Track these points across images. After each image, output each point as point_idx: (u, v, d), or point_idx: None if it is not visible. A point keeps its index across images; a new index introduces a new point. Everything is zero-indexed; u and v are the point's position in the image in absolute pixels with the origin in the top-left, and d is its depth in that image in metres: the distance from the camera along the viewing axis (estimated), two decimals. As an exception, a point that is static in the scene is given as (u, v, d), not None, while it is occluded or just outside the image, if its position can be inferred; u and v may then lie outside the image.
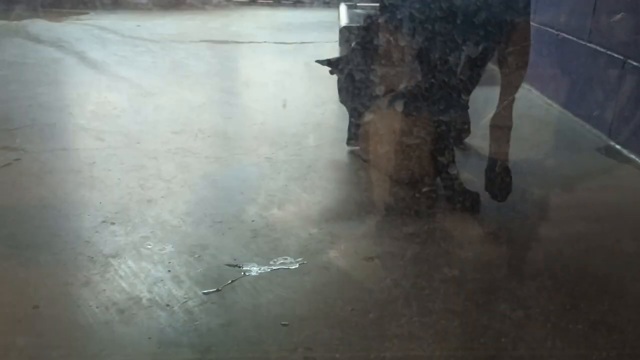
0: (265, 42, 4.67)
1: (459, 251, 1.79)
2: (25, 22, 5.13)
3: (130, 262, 1.67)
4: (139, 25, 5.03)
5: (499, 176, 2.06)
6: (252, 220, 1.93)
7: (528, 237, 1.90)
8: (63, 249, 1.74)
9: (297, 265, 1.68)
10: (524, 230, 1.94)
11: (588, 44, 2.88)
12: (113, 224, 1.88)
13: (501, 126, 2.13)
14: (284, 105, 3.03)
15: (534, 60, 3.39)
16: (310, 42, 4.58)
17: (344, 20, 3.97)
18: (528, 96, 3.33)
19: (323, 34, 4.85)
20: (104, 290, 1.54)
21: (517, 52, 2.16)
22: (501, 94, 2.16)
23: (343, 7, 4.32)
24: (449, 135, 2.13)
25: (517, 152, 2.50)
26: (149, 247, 1.76)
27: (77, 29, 4.92)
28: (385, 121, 2.27)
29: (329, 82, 3.53)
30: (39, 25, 5.01)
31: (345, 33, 3.73)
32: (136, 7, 5.75)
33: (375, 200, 2.13)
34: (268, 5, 6.15)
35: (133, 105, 3.08)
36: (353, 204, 2.08)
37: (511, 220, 1.99)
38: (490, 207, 2.05)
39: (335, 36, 4.00)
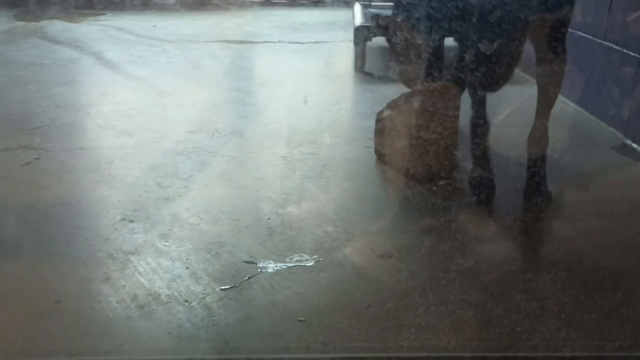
0: (280, 41, 4.70)
1: (475, 245, 1.80)
2: (42, 23, 5.20)
3: (149, 259, 1.70)
4: (154, 26, 5.08)
5: (537, 187, 2.07)
6: (268, 218, 1.95)
7: (543, 232, 1.90)
8: (83, 246, 1.77)
9: (312, 263, 1.70)
10: (540, 225, 1.94)
11: (603, 42, 2.87)
12: (131, 221, 1.91)
13: (538, 142, 2.12)
14: (305, 102, 3.05)
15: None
16: (324, 42, 4.59)
17: (358, 20, 3.98)
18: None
19: (338, 33, 4.87)
20: (124, 286, 1.57)
21: (552, 61, 2.13)
22: (537, 107, 2.15)
23: (357, 7, 4.33)
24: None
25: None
26: (167, 244, 1.78)
27: (93, 30, 4.97)
28: (401, 117, 2.28)
29: (343, 81, 3.56)
30: (57, 27, 5.07)
31: (360, 32, 3.74)
32: (164, 8, 5.78)
33: (391, 197, 2.14)
34: (283, 5, 6.18)
35: (149, 105, 3.12)
36: (368, 201, 2.09)
37: (527, 215, 1.99)
38: (506, 202, 2.05)
39: (350, 35, 4.01)
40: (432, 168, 2.23)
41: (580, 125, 2.90)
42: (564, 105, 3.16)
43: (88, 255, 1.72)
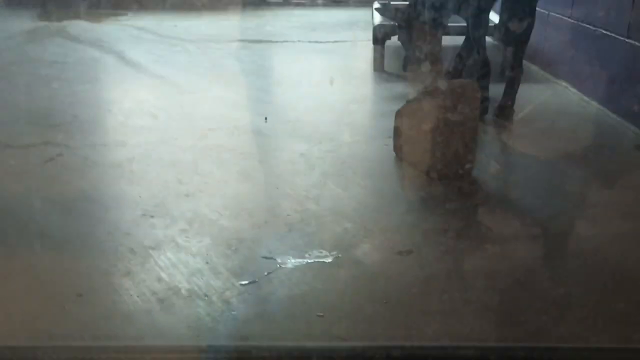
0: (299, 41, 4.70)
1: (493, 244, 1.79)
2: (65, 23, 5.26)
3: (169, 254, 1.71)
4: (175, 26, 5.11)
5: None
6: (287, 215, 1.96)
7: (566, 230, 1.88)
8: (105, 240, 1.79)
9: (331, 259, 1.70)
10: (563, 223, 1.93)
11: (627, 40, 2.83)
12: (152, 217, 1.93)
13: None
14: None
15: (571, 56, 3.35)
16: (344, 41, 4.59)
17: (377, 19, 3.97)
18: (565, 93, 3.28)
19: (357, 33, 4.85)
20: (144, 280, 1.59)
21: None
22: None
23: (377, 6, 4.32)
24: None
25: (555, 148, 2.49)
26: (187, 239, 1.80)
27: (115, 30, 5.03)
28: (420, 115, 2.27)
29: (362, 80, 3.56)
30: (79, 26, 5.13)
31: (379, 32, 3.73)
32: (184, 8, 5.81)
33: (410, 194, 2.14)
34: (302, 5, 6.18)
35: (170, 103, 3.14)
36: (387, 199, 2.09)
37: (549, 214, 1.98)
38: (527, 202, 2.04)
39: (369, 35, 4.00)
40: (451, 166, 2.21)
41: (602, 125, 2.86)
42: (586, 105, 3.12)
43: (110, 249, 1.74)
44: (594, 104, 3.11)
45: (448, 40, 3.41)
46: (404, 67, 3.42)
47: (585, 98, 3.18)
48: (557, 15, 3.52)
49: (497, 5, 2.98)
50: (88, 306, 1.48)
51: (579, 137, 2.71)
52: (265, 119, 2.84)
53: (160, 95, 3.26)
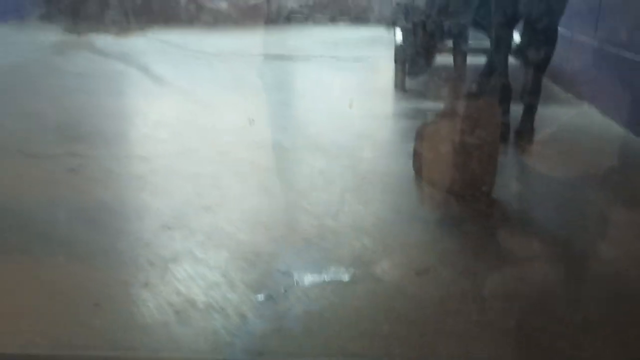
0: (321, 56, 4.73)
1: (513, 265, 1.77)
2: (92, 36, 5.36)
3: (187, 266, 1.72)
4: (199, 40, 5.18)
5: None
6: (306, 230, 1.95)
7: (587, 252, 1.85)
8: (124, 250, 1.81)
9: (349, 276, 1.70)
10: (583, 245, 1.90)
11: (652, 62, 2.80)
12: (171, 229, 1.94)
13: None
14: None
15: (593, 77, 3.32)
16: (365, 58, 4.60)
17: (399, 38, 3.98)
18: (587, 115, 3.25)
19: (379, 50, 4.87)
20: (162, 292, 1.59)
21: None
22: None
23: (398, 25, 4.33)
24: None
25: (576, 169, 2.46)
26: (205, 252, 1.81)
27: (141, 43, 5.10)
28: (441, 133, 2.26)
29: (383, 97, 3.56)
30: (105, 39, 5.21)
31: (401, 50, 3.74)
32: (209, 22, 5.87)
33: (429, 212, 2.13)
34: (325, 21, 6.22)
35: (192, 116, 3.18)
36: (406, 216, 2.08)
37: (570, 235, 1.95)
38: (547, 223, 2.01)
39: (391, 53, 4.01)
40: (470, 186, 2.20)
41: (625, 147, 2.82)
42: (609, 126, 3.08)
43: (129, 260, 1.76)
44: (617, 125, 3.07)
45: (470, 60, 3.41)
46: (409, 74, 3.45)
47: (608, 120, 3.14)
48: (581, 36, 3.50)
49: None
50: (105, 316, 1.49)
51: (601, 159, 2.68)
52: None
53: (183, 108, 3.29)
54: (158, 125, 2.99)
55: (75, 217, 2.01)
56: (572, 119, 3.18)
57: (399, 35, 4.09)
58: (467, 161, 2.19)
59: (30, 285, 1.62)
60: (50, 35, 5.28)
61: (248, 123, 2.85)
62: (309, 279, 1.68)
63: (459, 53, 3.41)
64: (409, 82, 3.76)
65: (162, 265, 1.72)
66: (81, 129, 2.88)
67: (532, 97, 2.82)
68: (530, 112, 2.80)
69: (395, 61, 3.75)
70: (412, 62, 3.42)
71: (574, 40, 3.58)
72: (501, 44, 2.90)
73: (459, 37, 3.23)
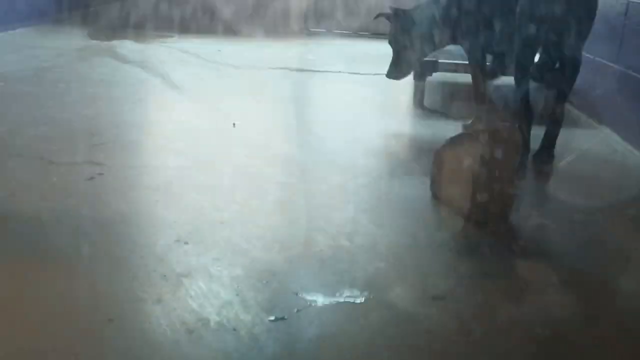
0: (340, 71, 4.73)
1: (532, 294, 1.74)
2: (114, 42, 5.41)
3: (200, 283, 1.71)
4: (219, 50, 5.21)
5: None
6: (320, 250, 1.94)
7: (607, 284, 1.82)
8: (138, 264, 1.81)
9: (362, 299, 1.68)
10: (603, 276, 1.87)
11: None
12: (186, 243, 1.94)
13: None
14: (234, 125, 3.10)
15: (616, 103, 3.28)
16: (384, 74, 4.60)
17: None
18: (608, 141, 3.21)
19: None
20: (175, 309, 1.59)
21: None
22: None
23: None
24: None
25: (597, 197, 2.43)
26: (219, 269, 1.80)
27: (161, 51, 5.14)
28: (460, 156, 2.25)
29: (402, 115, 3.55)
30: (127, 47, 5.27)
31: (421, 68, 3.73)
32: (229, 33, 5.92)
33: (446, 236, 2.11)
34: (345, 35, 6.24)
35: (211, 127, 3.19)
36: (422, 240, 2.06)
37: (589, 266, 1.92)
38: (566, 252, 1.98)
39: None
40: (489, 210, 2.18)
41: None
42: (630, 154, 3.04)
43: (142, 274, 1.75)
44: (638, 153, 3.03)
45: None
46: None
47: (630, 147, 3.10)
48: (603, 61, 3.47)
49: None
50: (118, 332, 1.49)
51: (622, 187, 2.64)
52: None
53: (202, 119, 3.30)
54: (176, 135, 3.00)
55: (90, 228, 2.01)
56: (592, 144, 3.15)
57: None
58: (485, 184, 2.17)
59: (42, 298, 1.62)
60: (74, 41, 5.35)
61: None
62: (322, 301, 1.66)
63: (478, 75, 3.39)
64: (428, 100, 3.75)
65: (175, 281, 1.72)
66: (100, 137, 2.90)
67: (554, 122, 2.78)
68: (551, 137, 2.77)
69: (415, 78, 3.74)
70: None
71: (596, 64, 3.55)
72: (523, 67, 2.87)
73: (476, 59, 3.21)
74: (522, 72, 2.89)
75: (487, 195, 2.17)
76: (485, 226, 2.15)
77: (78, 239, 1.94)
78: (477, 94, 3.42)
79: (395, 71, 3.33)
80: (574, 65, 2.77)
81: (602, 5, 3.45)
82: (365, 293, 1.70)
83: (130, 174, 2.49)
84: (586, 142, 3.13)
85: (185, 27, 5.89)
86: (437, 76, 3.81)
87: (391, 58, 3.32)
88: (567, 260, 2.00)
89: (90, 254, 1.85)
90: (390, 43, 3.30)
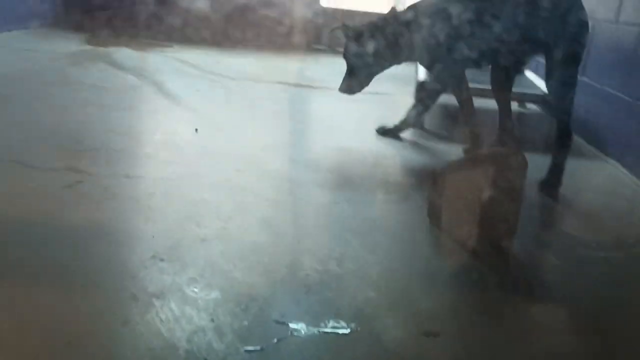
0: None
1: (536, 334, 1.60)
2: (111, 49, 5.32)
3: (173, 305, 1.57)
4: (218, 62, 5.11)
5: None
6: (307, 274, 1.81)
7: (616, 327, 1.68)
8: (108, 281, 1.67)
9: (348, 331, 1.54)
10: (612, 318, 1.73)
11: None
12: (162, 260, 1.80)
13: None
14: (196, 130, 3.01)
15: (624, 135, 3.17)
16: (384, 93, 4.49)
17: (421, 75, 3.86)
18: (615, 174, 3.09)
19: (398, 85, 4.77)
20: (142, 333, 1.44)
21: None
22: None
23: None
24: None
25: (604, 233, 2.31)
26: (195, 290, 1.66)
27: (158, 60, 5.04)
28: (459, 182, 2.12)
29: (402, 135, 3.43)
30: (124, 53, 5.17)
31: (422, 88, 3.62)
32: (229, 45, 5.83)
33: (442, 266, 1.97)
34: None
35: (201, 139, 3.06)
36: (417, 268, 1.92)
37: (596, 306, 1.79)
38: (573, 290, 1.85)
39: (411, 89, 3.90)
40: (489, 240, 2.04)
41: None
42: (637, 187, 2.92)
43: (111, 293, 1.61)
44: (647, 186, 2.91)
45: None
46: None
47: (637, 180, 2.98)
48: (611, 91, 3.36)
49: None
50: (75, 358, 1.34)
51: (632, 223, 2.52)
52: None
53: (192, 130, 3.18)
54: (164, 145, 2.87)
55: (61, 240, 1.87)
56: (598, 176, 3.03)
57: (421, 71, 3.98)
58: (486, 213, 2.04)
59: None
60: (70, 45, 5.25)
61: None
62: (305, 331, 1.52)
63: (462, 96, 3.30)
64: (428, 122, 3.64)
65: (146, 302, 1.57)
66: (85, 144, 2.77)
67: (560, 150, 2.67)
68: (557, 165, 2.65)
69: (415, 99, 3.62)
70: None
71: (604, 94, 3.45)
72: (495, 86, 2.87)
73: (440, 78, 3.16)
74: (498, 92, 2.91)
75: (489, 225, 2.04)
76: (486, 257, 2.02)
77: (44, 252, 1.80)
78: (465, 116, 3.33)
79: (347, 86, 3.26)
80: (566, 89, 2.67)
81: (612, 34, 3.36)
82: (353, 324, 1.56)
83: (111, 183, 2.35)
84: (591, 174, 3.01)
85: (185, 38, 5.80)
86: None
87: (345, 73, 3.25)
88: (573, 298, 1.86)
89: (55, 269, 1.71)
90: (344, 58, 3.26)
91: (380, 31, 3.11)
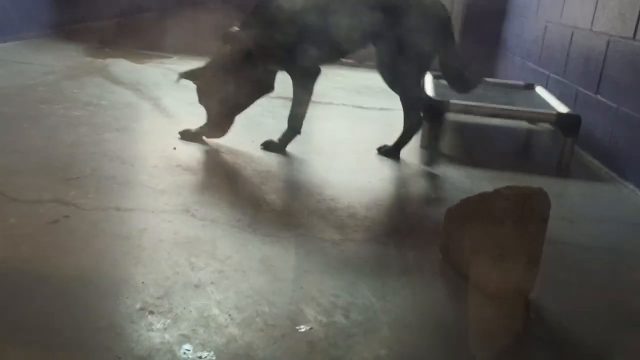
0: (343, 104, 4.48)
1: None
2: (109, 61, 5.18)
3: (161, 371, 1.41)
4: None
5: None
6: (310, 328, 1.64)
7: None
8: (90, 338, 1.50)
9: (357, 400, 1.38)
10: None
11: None
12: (152, 313, 1.64)
13: None
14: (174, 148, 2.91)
15: (633, 152, 3.01)
16: (390, 109, 4.33)
17: (429, 91, 3.71)
18: (632, 198, 2.93)
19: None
20: (124, 409, 1.28)
21: None
22: None
23: (429, 77, 4.07)
24: None
25: (617, 264, 2.15)
26: (187, 351, 1.50)
27: (156, 73, 4.89)
28: (476, 220, 1.96)
29: (408, 158, 3.27)
30: (122, 66, 5.03)
31: (431, 106, 3.46)
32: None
33: (458, 313, 1.80)
34: (350, 65, 6.00)
35: (198, 163, 2.91)
36: (430, 316, 1.76)
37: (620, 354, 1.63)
38: (596, 336, 1.68)
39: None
40: (509, 283, 1.88)
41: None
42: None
43: (92, 353, 1.45)
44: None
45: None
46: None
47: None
48: (628, 111, 3.20)
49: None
50: None
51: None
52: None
53: (189, 152, 3.02)
54: (159, 171, 2.72)
55: (40, 288, 1.71)
56: (614, 201, 2.87)
57: (429, 88, 3.83)
58: (505, 252, 1.88)
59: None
60: (67, 57, 5.12)
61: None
62: (308, 400, 1.36)
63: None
64: (445, 144, 3.49)
65: (131, 367, 1.41)
66: (74, 169, 2.62)
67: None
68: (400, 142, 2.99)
69: (424, 118, 3.46)
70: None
71: (621, 114, 3.29)
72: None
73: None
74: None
75: (507, 266, 1.88)
76: (503, 301, 1.86)
77: (23, 300, 1.64)
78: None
79: (212, 131, 3.18)
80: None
81: (629, 51, 3.20)
82: (362, 392, 1.40)
83: (100, 217, 2.20)
84: (608, 199, 2.85)
85: (186, 49, 5.65)
86: (449, 115, 3.54)
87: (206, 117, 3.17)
88: (596, 346, 1.70)
89: (29, 324, 1.54)
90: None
91: (224, 63, 3.09)
